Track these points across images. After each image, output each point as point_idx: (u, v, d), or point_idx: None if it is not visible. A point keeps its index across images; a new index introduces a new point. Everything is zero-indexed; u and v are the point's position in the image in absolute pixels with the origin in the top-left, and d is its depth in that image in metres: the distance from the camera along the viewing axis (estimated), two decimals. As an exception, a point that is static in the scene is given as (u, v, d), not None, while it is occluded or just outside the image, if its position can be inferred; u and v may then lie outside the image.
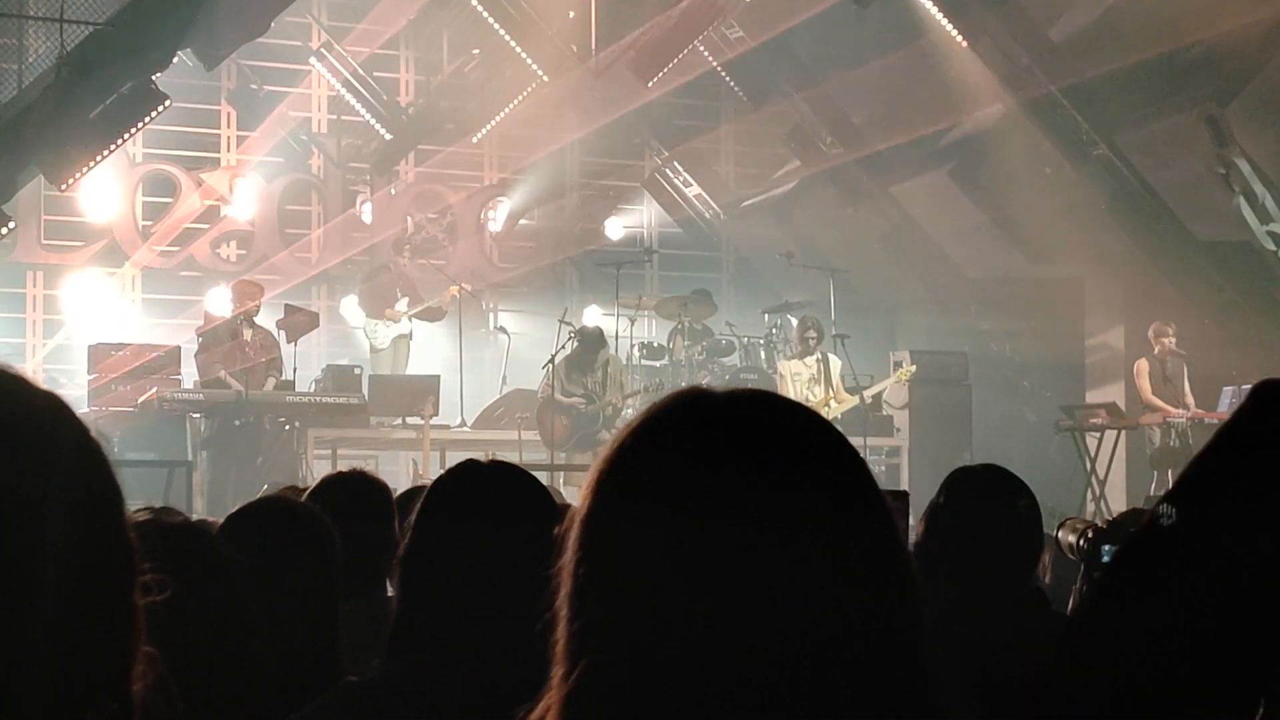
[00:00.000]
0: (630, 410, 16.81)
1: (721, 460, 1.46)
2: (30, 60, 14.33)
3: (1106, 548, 3.67)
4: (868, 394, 17.07)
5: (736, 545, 1.42)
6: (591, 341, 16.39)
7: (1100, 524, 3.82)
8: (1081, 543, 3.82)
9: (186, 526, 2.91)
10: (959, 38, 17.48)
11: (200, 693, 1.97)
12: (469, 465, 3.00)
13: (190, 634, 1.63)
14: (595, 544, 1.48)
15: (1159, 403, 16.31)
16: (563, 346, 16.69)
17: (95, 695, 1.48)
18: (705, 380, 17.65)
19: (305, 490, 5.11)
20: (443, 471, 3.08)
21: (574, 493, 16.40)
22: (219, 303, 16.86)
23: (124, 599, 1.52)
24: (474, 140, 20.87)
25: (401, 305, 17.71)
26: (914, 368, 17.23)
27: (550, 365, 16.35)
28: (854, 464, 1.53)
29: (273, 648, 3.42)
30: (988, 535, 4.16)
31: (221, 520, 4.04)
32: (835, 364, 16.75)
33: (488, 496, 2.92)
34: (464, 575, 2.82)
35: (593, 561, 1.48)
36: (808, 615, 1.42)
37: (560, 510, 3.32)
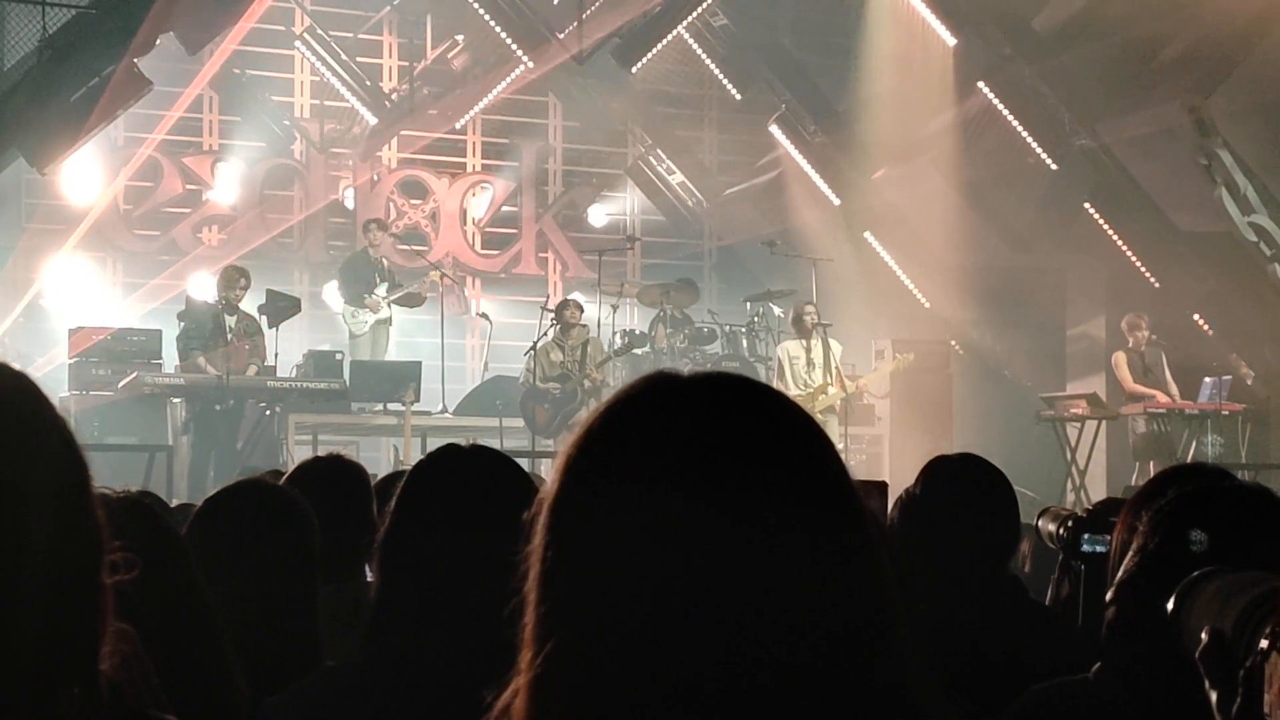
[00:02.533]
0: (607, 384, 16.83)
1: (687, 444, 1.45)
2: (12, 43, 14.29)
3: (1087, 537, 3.67)
4: (863, 381, 17.11)
5: (700, 532, 1.41)
6: (562, 309, 16.53)
7: (1081, 513, 3.82)
8: (1062, 531, 3.82)
9: (132, 504, 2.89)
10: (943, 27, 17.51)
11: (168, 674, 1.97)
12: (449, 449, 3.00)
13: (146, 611, 1.63)
14: (562, 527, 1.47)
15: (1143, 390, 16.29)
16: (544, 334, 16.71)
17: (66, 674, 1.48)
18: (687, 369, 17.65)
19: (284, 475, 5.10)
20: (423, 456, 3.07)
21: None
22: (201, 287, 16.82)
23: (93, 579, 1.52)
24: (457, 126, 20.84)
25: (381, 291, 17.66)
26: (911, 356, 17.24)
27: (532, 352, 16.37)
28: (823, 452, 1.51)
29: (251, 631, 3.42)
30: (963, 524, 4.16)
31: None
32: (837, 349, 16.71)
33: (468, 480, 2.91)
34: (444, 559, 2.81)
35: (560, 544, 1.47)
36: (770, 606, 1.41)
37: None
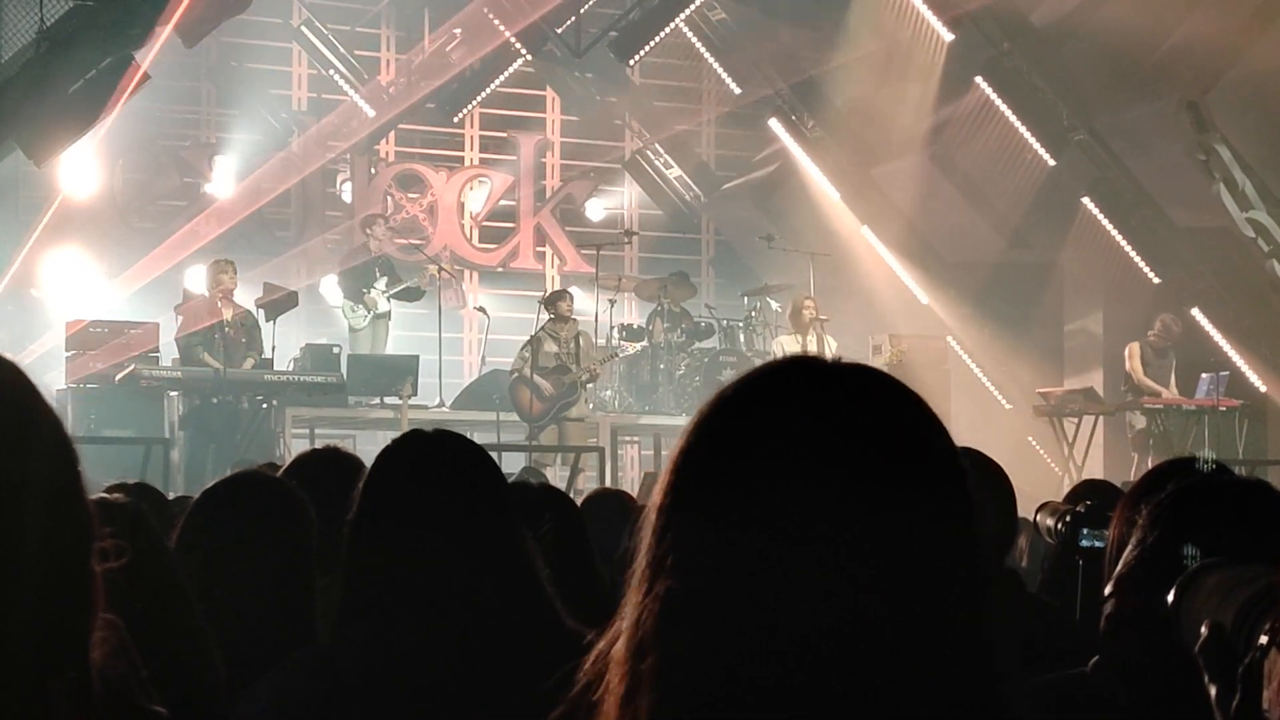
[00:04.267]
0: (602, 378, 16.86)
1: (819, 424, 1.49)
2: (9, 34, 14.26)
3: (1085, 531, 3.67)
4: None
5: (820, 508, 1.45)
6: (553, 299, 16.57)
7: (1080, 508, 3.81)
8: (1060, 526, 3.81)
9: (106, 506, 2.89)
10: (940, 22, 17.50)
11: (158, 666, 1.97)
12: (413, 435, 3.04)
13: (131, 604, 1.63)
14: (684, 481, 1.51)
15: (1151, 384, 16.28)
16: (541, 327, 16.71)
17: (58, 663, 1.47)
18: (684, 363, 17.68)
19: (281, 468, 5.10)
20: (389, 441, 3.10)
21: (552, 474, 16.26)
22: (197, 280, 16.81)
23: (83, 567, 1.51)
24: (455, 120, 20.84)
25: (380, 285, 17.64)
26: (904, 349, 17.25)
27: (528, 344, 16.40)
28: (945, 440, 1.57)
29: (248, 622, 3.43)
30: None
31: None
32: (832, 344, 16.69)
33: (432, 465, 2.94)
34: (409, 543, 2.84)
35: (680, 497, 1.51)
36: (879, 593, 1.44)
37: (513, 487, 3.32)
